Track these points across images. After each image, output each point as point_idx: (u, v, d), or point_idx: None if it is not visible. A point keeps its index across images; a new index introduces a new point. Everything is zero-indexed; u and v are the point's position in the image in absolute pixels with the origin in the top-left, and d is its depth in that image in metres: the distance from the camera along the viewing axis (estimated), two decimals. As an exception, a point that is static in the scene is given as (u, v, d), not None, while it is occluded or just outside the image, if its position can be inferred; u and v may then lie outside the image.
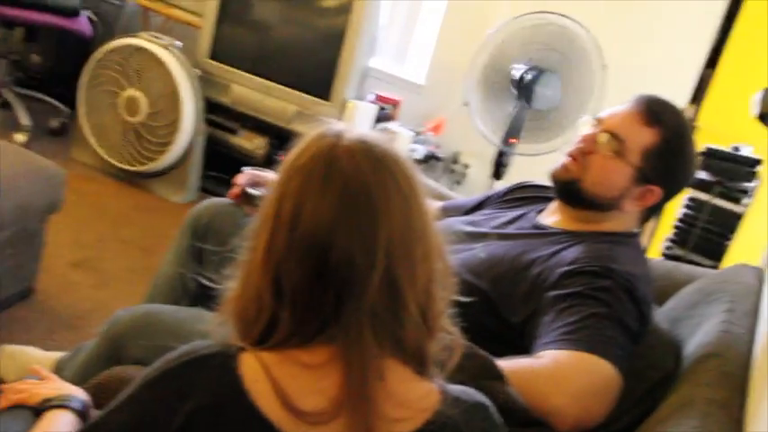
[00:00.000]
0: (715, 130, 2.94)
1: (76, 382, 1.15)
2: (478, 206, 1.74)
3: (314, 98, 3.18)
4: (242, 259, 0.89)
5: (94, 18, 3.73)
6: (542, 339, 1.29)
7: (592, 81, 2.62)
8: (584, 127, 1.55)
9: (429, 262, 0.88)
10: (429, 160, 3.33)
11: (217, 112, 3.34)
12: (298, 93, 3.20)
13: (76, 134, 3.34)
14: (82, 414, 1.01)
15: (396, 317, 0.85)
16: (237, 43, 3.34)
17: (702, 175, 2.10)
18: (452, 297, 0.92)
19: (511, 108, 2.71)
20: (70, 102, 3.49)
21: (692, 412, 1.12)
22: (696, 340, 1.35)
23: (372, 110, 3.28)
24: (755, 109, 2.11)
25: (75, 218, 2.82)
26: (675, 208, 2.19)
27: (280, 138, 3.28)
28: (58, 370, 1.68)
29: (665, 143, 1.44)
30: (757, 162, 2.08)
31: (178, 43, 3.19)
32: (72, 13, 3.44)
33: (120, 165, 3.23)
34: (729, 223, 2.03)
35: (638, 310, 1.33)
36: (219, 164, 3.34)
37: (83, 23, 3.53)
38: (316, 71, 3.21)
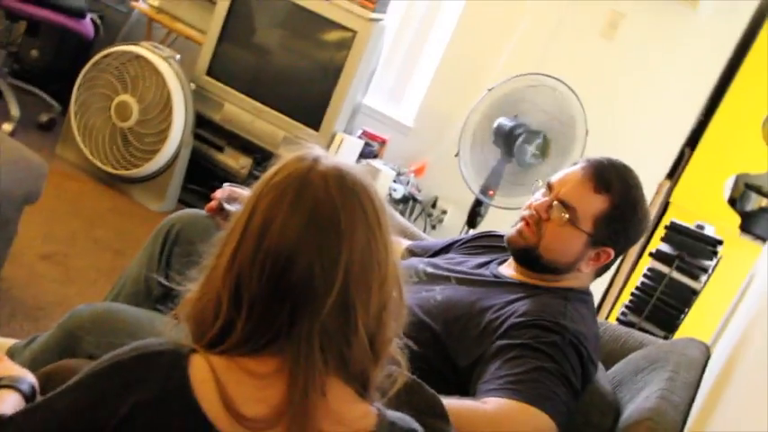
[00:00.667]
0: (686, 207, 3.03)
1: (27, 368, 1.16)
2: (444, 249, 1.78)
3: (304, 126, 3.22)
4: (206, 264, 0.93)
5: (98, 22, 3.78)
6: (487, 386, 1.33)
7: (574, 146, 2.69)
8: (536, 191, 1.60)
9: (384, 291, 0.92)
10: (408, 201, 3.38)
11: (206, 128, 3.38)
12: (288, 119, 3.24)
13: (64, 131, 3.36)
14: (29, 398, 1.03)
15: (345, 337, 0.89)
16: (236, 63, 3.40)
17: (664, 247, 2.15)
18: (403, 329, 0.97)
19: (493, 160, 2.78)
20: (63, 99, 3.53)
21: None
22: (635, 404, 1.40)
23: (359, 145, 3.34)
24: (727, 193, 2.19)
25: (50, 212, 2.83)
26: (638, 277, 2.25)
27: (265, 160, 3.31)
28: (10, 356, 1.68)
29: (615, 209, 1.51)
30: (719, 242, 2.14)
31: (177, 56, 3.24)
32: (78, 13, 3.50)
33: (103, 166, 3.25)
34: (685, 297, 2.08)
35: (582, 368, 1.38)
36: (201, 178, 3.38)
37: (86, 25, 3.59)
38: (309, 101, 3.27)
